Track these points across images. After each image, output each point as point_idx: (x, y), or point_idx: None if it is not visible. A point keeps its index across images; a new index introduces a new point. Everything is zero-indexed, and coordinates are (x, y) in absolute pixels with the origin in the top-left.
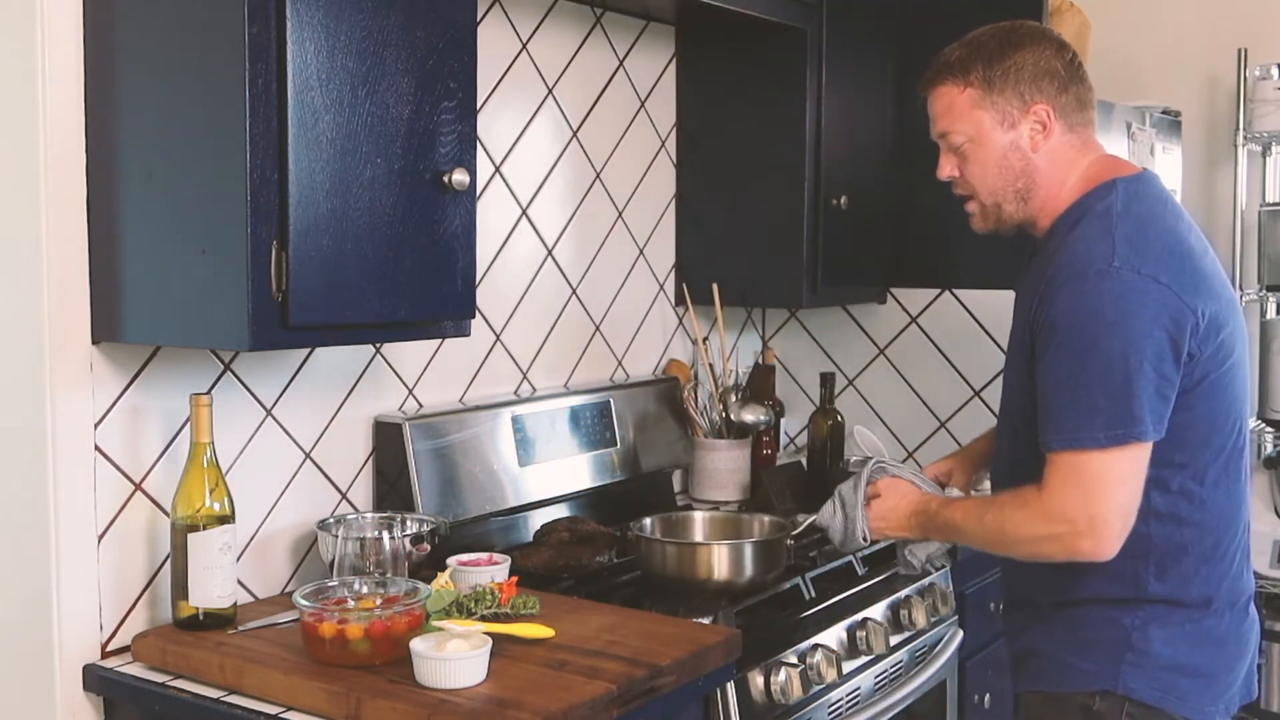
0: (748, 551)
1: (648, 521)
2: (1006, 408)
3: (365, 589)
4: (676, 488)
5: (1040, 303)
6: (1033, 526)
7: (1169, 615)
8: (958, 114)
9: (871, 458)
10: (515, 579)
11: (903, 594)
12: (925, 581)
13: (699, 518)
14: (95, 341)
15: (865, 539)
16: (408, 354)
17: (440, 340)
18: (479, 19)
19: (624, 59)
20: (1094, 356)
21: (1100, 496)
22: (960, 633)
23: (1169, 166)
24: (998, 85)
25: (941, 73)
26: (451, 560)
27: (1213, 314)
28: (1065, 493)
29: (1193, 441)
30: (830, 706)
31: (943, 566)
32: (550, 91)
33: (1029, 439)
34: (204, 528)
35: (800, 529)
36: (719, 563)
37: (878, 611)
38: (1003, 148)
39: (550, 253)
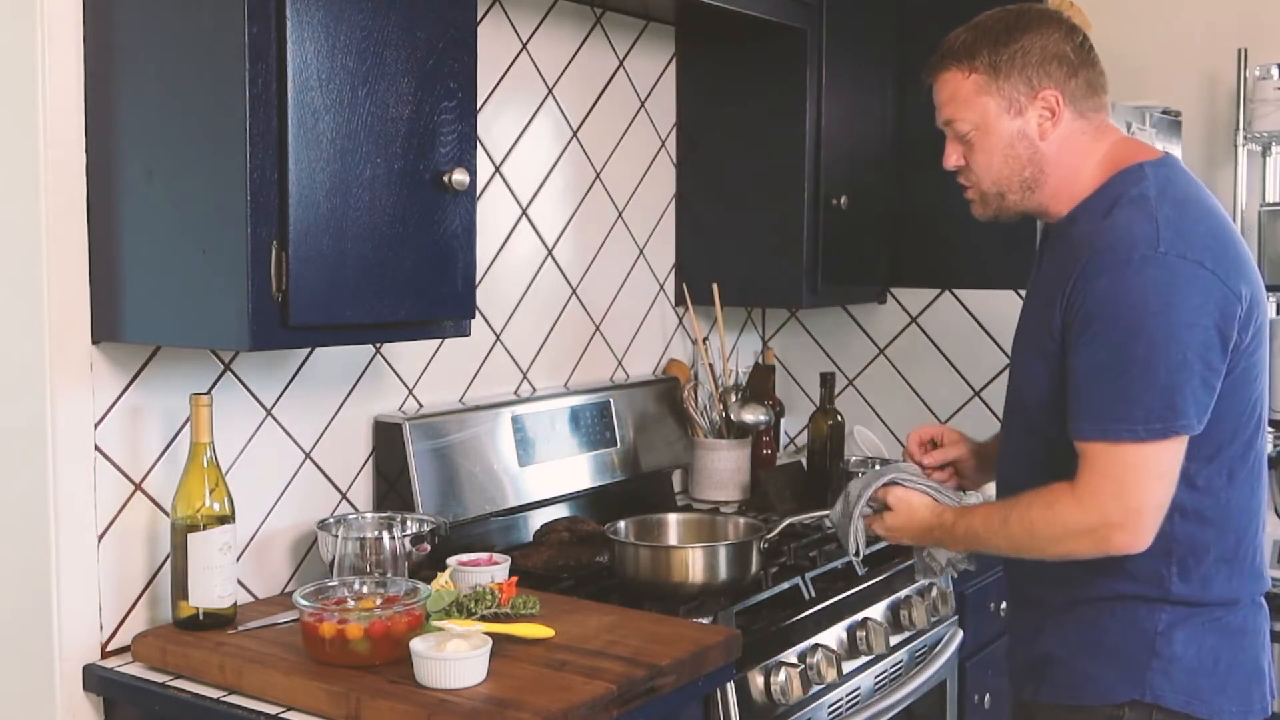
0: (721, 554)
1: (622, 525)
2: (1018, 404)
3: (365, 589)
4: (676, 488)
5: (1075, 289)
6: (1064, 523)
7: (1191, 615)
8: (963, 101)
9: (894, 464)
10: (515, 579)
11: (903, 594)
12: (925, 581)
13: (673, 520)
14: (95, 341)
15: (857, 552)
16: (408, 354)
17: (440, 340)
18: (479, 19)
19: (624, 59)
20: (1137, 345)
21: (1137, 490)
22: (960, 633)
23: None
24: (1004, 70)
25: (946, 58)
26: (451, 560)
27: (1252, 298)
28: (1100, 486)
29: (1223, 434)
30: (830, 706)
31: (965, 569)
32: (550, 91)
33: (1049, 434)
34: (204, 528)
35: (777, 531)
36: (693, 566)
37: (878, 611)
38: (1009, 136)
39: (550, 253)
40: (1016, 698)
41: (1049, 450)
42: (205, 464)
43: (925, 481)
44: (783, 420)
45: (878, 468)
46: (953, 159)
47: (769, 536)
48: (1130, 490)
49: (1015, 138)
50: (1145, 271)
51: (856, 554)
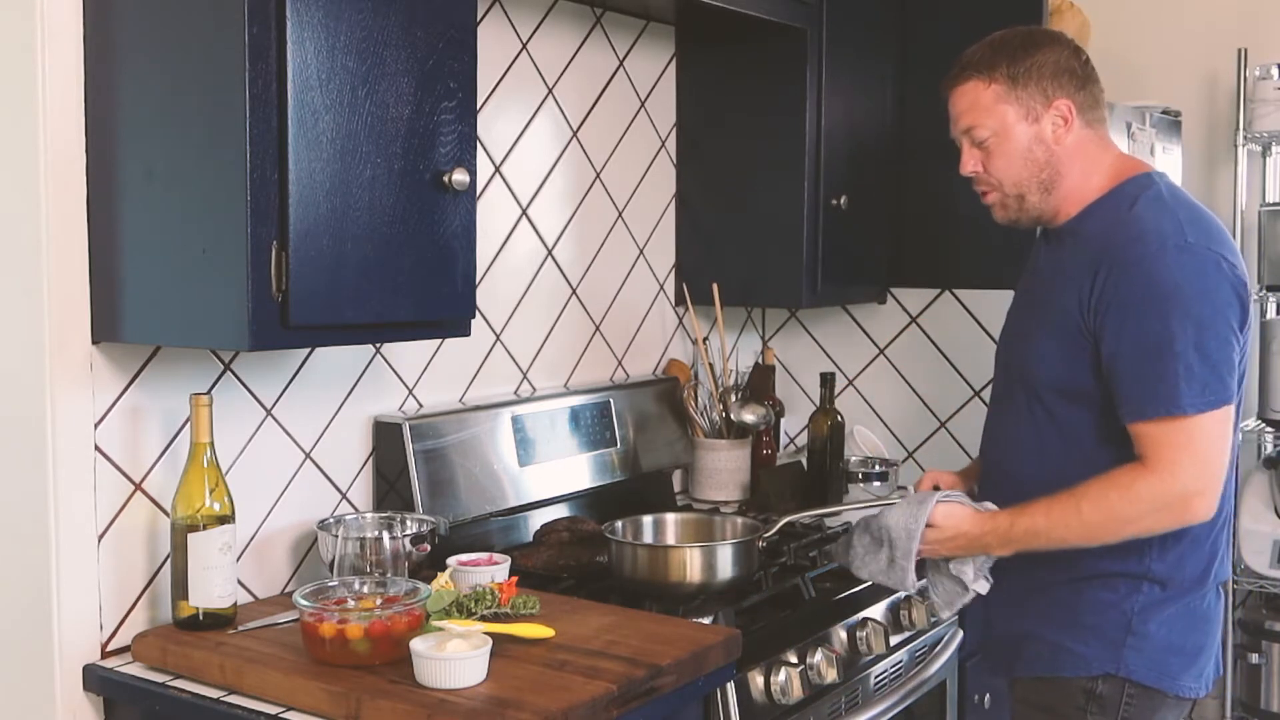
0: (719, 554)
1: (620, 525)
2: (1019, 383)
3: (365, 589)
4: (676, 488)
5: (1108, 277)
6: (1147, 500)
7: (1165, 598)
8: (983, 109)
9: (937, 491)
10: (515, 579)
11: (902, 594)
12: (925, 582)
13: (671, 520)
14: (95, 341)
15: (913, 588)
16: (408, 354)
17: (440, 340)
18: (479, 19)
19: (624, 59)
20: (1187, 324)
21: (1210, 457)
22: (960, 633)
23: (1169, 166)
24: (1021, 81)
25: (966, 70)
26: (451, 560)
27: (1249, 292)
28: (1177, 458)
29: None
30: (830, 706)
31: (989, 585)
32: (550, 91)
33: (1055, 411)
34: (204, 528)
35: (775, 530)
36: (691, 565)
37: (878, 611)
38: (1027, 140)
39: (550, 253)
40: (992, 675)
41: (1054, 424)
42: (205, 464)
43: (956, 494)
44: (783, 420)
45: (894, 499)
46: (969, 165)
47: (767, 535)
48: (1205, 457)
49: (1033, 142)
50: (1181, 259)
51: (913, 588)
